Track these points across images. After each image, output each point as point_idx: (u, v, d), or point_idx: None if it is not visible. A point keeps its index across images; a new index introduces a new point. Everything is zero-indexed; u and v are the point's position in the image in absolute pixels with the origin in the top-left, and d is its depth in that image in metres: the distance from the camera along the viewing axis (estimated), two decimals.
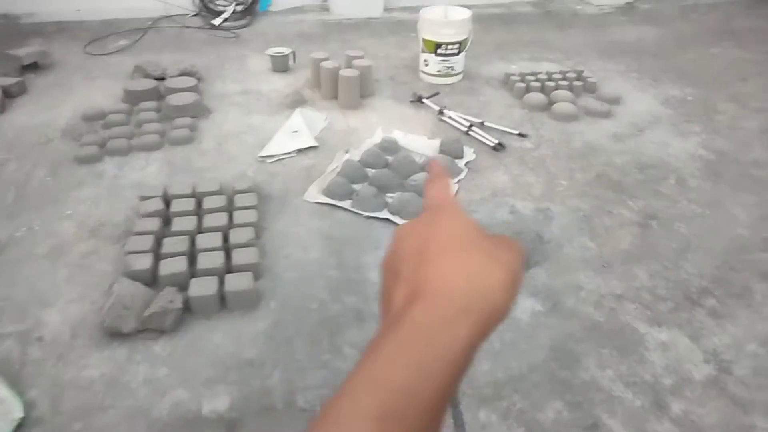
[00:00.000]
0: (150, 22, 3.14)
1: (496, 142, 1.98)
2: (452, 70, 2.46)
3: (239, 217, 1.54)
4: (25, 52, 2.50)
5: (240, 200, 1.61)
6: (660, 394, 1.15)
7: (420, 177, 1.73)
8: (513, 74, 2.45)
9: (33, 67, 2.50)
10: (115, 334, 1.24)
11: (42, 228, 1.55)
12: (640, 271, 1.46)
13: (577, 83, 2.37)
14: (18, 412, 1.07)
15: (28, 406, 1.08)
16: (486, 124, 2.10)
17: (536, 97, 2.26)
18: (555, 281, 1.42)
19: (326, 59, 2.34)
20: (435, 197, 0.43)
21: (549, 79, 2.39)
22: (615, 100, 2.32)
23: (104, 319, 1.24)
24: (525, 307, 1.34)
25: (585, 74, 2.48)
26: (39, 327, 1.26)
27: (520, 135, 2.06)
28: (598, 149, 2.01)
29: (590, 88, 2.40)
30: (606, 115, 2.22)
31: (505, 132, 2.07)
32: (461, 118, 2.13)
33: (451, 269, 0.35)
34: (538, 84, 2.35)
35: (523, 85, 2.34)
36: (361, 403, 0.30)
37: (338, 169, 1.80)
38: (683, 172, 1.90)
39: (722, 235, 1.60)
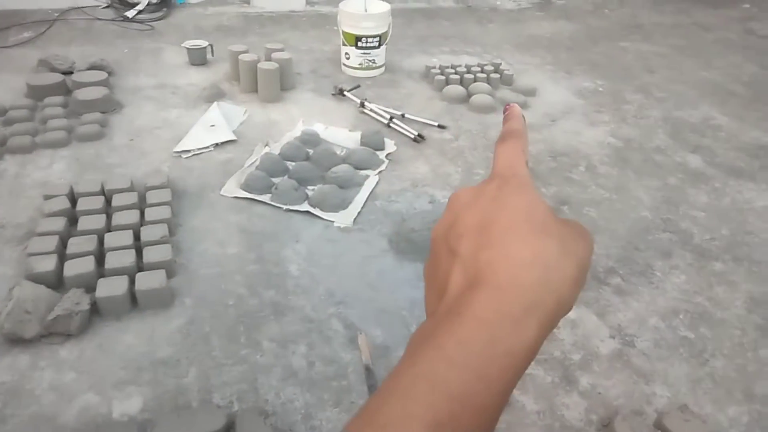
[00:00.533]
0: (57, 14, 2.97)
1: (416, 134, 2.01)
2: (373, 63, 2.47)
3: (151, 214, 1.48)
4: None
5: (152, 197, 1.55)
6: (569, 369, 1.21)
7: (341, 169, 1.73)
8: (433, 67, 2.49)
9: None
10: (17, 341, 1.17)
11: None
12: None
13: (494, 76, 2.44)
14: None
15: None
16: (407, 116, 2.13)
17: (455, 89, 2.31)
18: None
19: (245, 52, 2.29)
20: (505, 163, 0.37)
21: (468, 72, 2.45)
22: (531, 92, 2.41)
23: (3, 324, 1.16)
24: None
25: (502, 67, 2.55)
26: None
27: (440, 126, 2.10)
28: None
29: (507, 81, 2.48)
30: (522, 106, 2.30)
31: (426, 124, 2.11)
32: (382, 110, 2.14)
33: (520, 257, 0.30)
34: (457, 77, 2.40)
35: (442, 77, 2.39)
36: (415, 408, 0.26)
37: (257, 163, 1.77)
38: (593, 159, 1.99)
39: (627, 218, 1.70)
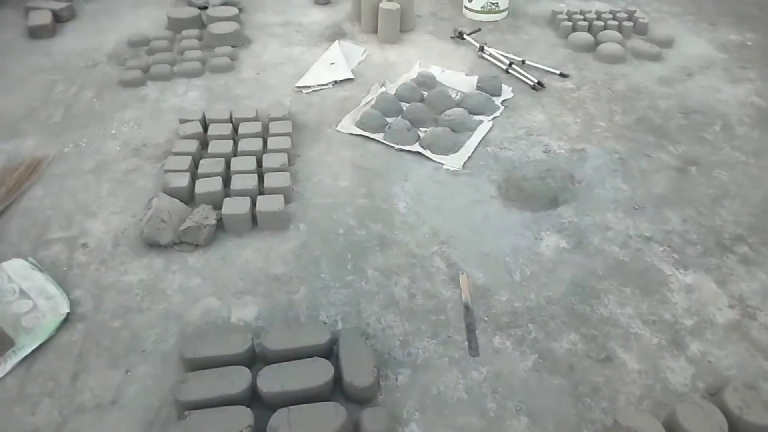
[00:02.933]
0: None
1: (536, 81, 1.93)
2: (497, 6, 2.38)
3: (273, 143, 1.57)
4: None
5: (275, 127, 1.64)
6: (679, 334, 1.16)
7: (455, 112, 1.72)
8: (560, 12, 2.35)
9: None
10: (153, 245, 1.31)
11: (88, 146, 1.63)
12: (673, 215, 1.44)
13: (627, 24, 2.26)
14: (65, 308, 1.16)
15: (74, 304, 1.17)
16: (527, 62, 2.05)
17: (582, 36, 2.18)
18: (582, 220, 1.41)
19: None
20: None
21: (598, 19, 2.29)
22: (666, 43, 2.21)
23: (143, 230, 1.31)
24: (549, 243, 1.35)
25: (637, 15, 2.36)
26: (84, 235, 1.34)
27: (562, 75, 2.00)
28: (642, 92, 1.94)
29: (641, 30, 2.29)
30: (655, 57, 2.12)
31: (547, 71, 2.02)
32: (502, 55, 2.07)
33: None
34: (585, 23, 2.25)
35: (569, 24, 2.26)
36: None
37: (373, 102, 1.80)
38: (731, 118, 1.82)
39: (764, 184, 1.55)
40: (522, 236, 1.37)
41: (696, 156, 1.64)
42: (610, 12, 2.35)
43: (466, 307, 1.19)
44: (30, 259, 1.27)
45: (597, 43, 2.15)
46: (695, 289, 1.25)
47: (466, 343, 1.13)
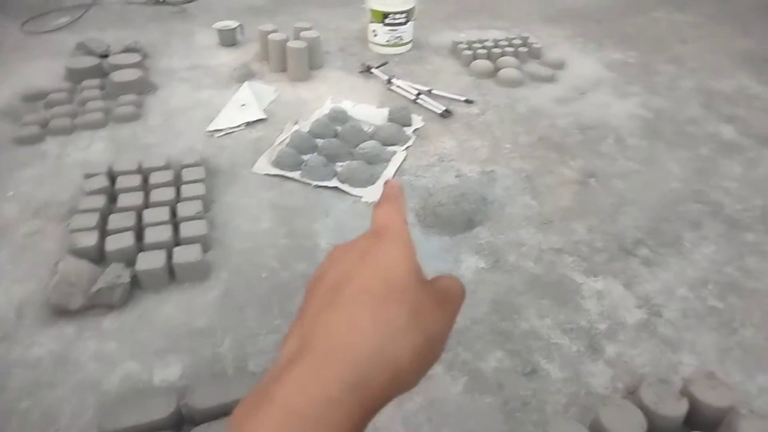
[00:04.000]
0: None
1: (444, 109, 2.01)
2: (401, 39, 2.47)
3: (187, 190, 1.54)
4: None
5: (187, 174, 1.60)
6: (595, 339, 1.22)
7: (368, 145, 1.75)
8: (460, 42, 2.48)
9: None
10: (63, 312, 1.24)
11: None
12: (579, 225, 1.53)
13: (522, 49, 2.41)
14: None
15: None
16: (434, 91, 2.13)
17: (482, 64, 2.30)
18: (497, 239, 1.47)
19: (274, 31, 2.32)
20: (380, 221, 0.36)
21: (495, 46, 2.43)
22: (559, 65, 2.38)
23: (50, 296, 1.23)
24: (469, 264, 1.39)
25: (530, 40, 2.52)
26: None
27: (467, 101, 2.09)
28: (541, 113, 2.07)
29: (535, 54, 2.45)
30: (550, 79, 2.27)
31: (453, 99, 2.11)
32: (409, 86, 2.15)
33: (359, 323, 0.28)
34: (484, 51, 2.38)
35: (470, 52, 2.37)
36: None
37: (287, 141, 1.81)
38: (622, 131, 1.97)
39: (657, 189, 1.68)
40: (443, 260, 1.41)
41: (594, 168, 1.76)
42: (506, 39, 2.49)
43: None
44: None
45: (497, 69, 2.28)
46: (605, 294, 1.33)
47: None
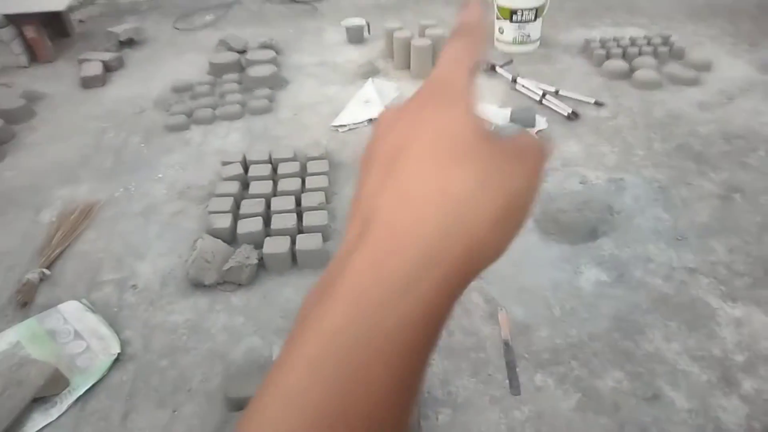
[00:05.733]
0: None
1: (570, 110, 1.93)
2: (528, 37, 2.40)
3: (311, 182, 1.61)
4: (122, 29, 2.69)
5: (312, 167, 1.68)
6: (730, 370, 1.12)
7: None
8: (593, 40, 2.36)
9: (129, 42, 2.69)
10: (198, 285, 1.35)
11: (137, 189, 1.70)
12: (718, 244, 1.40)
13: (662, 49, 2.24)
14: (116, 348, 1.21)
15: (124, 344, 1.22)
16: (561, 92, 2.05)
17: (616, 64, 2.17)
18: (623, 252, 1.39)
19: (400, 29, 2.35)
20: (442, 70, 0.28)
21: (632, 45, 2.28)
22: (704, 67, 2.18)
23: (189, 271, 1.35)
24: (589, 276, 1.33)
25: (672, 39, 2.34)
26: (133, 276, 1.40)
27: (597, 104, 1.99)
28: (681, 118, 1.91)
29: (677, 54, 2.27)
30: (693, 82, 2.09)
31: (581, 101, 2.01)
32: (535, 86, 2.08)
33: (423, 192, 0.24)
34: (619, 50, 2.25)
35: (603, 51, 2.25)
36: (298, 401, 0.21)
37: None
38: None
39: None
40: (561, 270, 1.36)
41: (740, 182, 1.60)
42: (645, 38, 2.33)
43: (506, 345, 1.18)
44: (83, 300, 1.33)
45: (632, 70, 2.14)
46: (745, 322, 1.21)
47: (507, 381, 1.12)
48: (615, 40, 2.34)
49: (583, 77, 2.21)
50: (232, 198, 1.55)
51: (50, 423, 1.08)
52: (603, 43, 2.32)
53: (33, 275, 1.38)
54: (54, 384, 1.13)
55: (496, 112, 1.98)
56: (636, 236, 1.43)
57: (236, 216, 1.51)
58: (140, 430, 1.06)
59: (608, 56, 2.25)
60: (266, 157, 1.73)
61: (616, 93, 2.08)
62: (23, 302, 1.33)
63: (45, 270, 1.41)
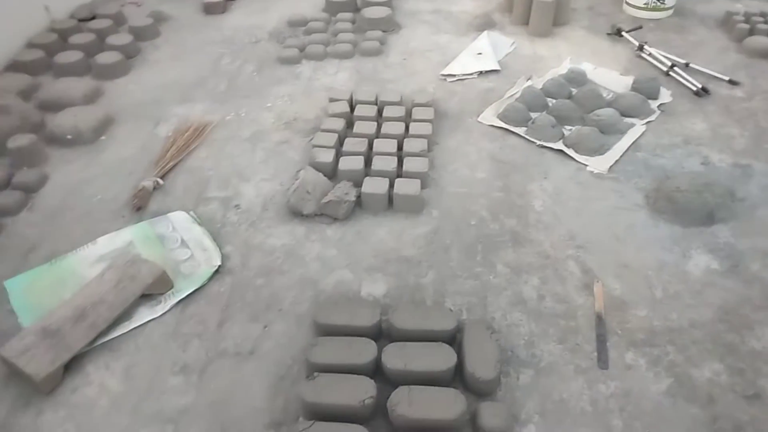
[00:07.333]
0: None
1: (700, 86, 1.78)
2: (662, 3, 2.21)
3: (415, 128, 1.60)
4: None
5: (417, 113, 1.66)
6: None
7: (605, 113, 1.63)
8: (736, 13, 2.13)
9: None
10: (297, 214, 1.40)
11: (247, 115, 1.76)
12: None
13: None
14: (217, 261, 1.28)
15: (225, 258, 1.29)
16: (691, 65, 1.89)
17: (760, 41, 1.96)
18: (740, 242, 1.29)
19: None
20: None
21: None
22: None
23: (289, 199, 1.40)
24: (698, 262, 1.25)
25: None
26: (237, 196, 1.46)
27: (731, 82, 1.82)
28: None
29: None
30: None
31: (713, 77, 1.85)
32: (663, 56, 1.93)
33: None
34: (766, 26, 2.02)
35: (746, 26, 2.04)
36: None
37: (518, 95, 1.77)
38: None
39: None
40: (669, 251, 1.28)
41: None
42: None
43: (599, 318, 1.14)
44: (191, 212, 1.41)
45: None
46: None
47: (596, 353, 1.08)
48: (762, 15, 2.11)
49: (719, 52, 2.02)
50: (336, 135, 1.57)
51: (154, 318, 1.17)
52: (747, 17, 2.10)
53: (148, 182, 1.48)
54: (161, 284, 1.22)
55: (617, 79, 1.86)
56: (758, 228, 1.32)
57: (339, 152, 1.53)
58: (233, 338, 1.13)
59: (752, 32, 2.03)
60: (373, 99, 1.73)
61: (755, 73, 1.89)
62: (138, 206, 1.43)
63: (159, 179, 1.50)
